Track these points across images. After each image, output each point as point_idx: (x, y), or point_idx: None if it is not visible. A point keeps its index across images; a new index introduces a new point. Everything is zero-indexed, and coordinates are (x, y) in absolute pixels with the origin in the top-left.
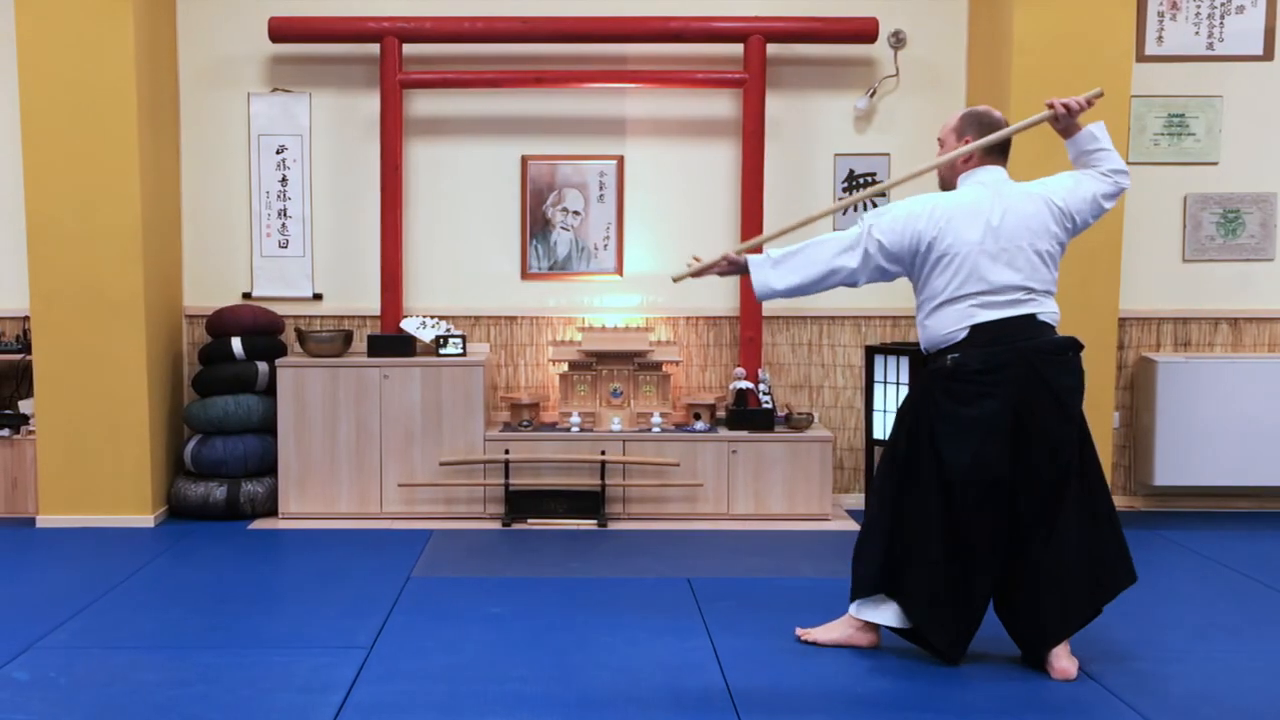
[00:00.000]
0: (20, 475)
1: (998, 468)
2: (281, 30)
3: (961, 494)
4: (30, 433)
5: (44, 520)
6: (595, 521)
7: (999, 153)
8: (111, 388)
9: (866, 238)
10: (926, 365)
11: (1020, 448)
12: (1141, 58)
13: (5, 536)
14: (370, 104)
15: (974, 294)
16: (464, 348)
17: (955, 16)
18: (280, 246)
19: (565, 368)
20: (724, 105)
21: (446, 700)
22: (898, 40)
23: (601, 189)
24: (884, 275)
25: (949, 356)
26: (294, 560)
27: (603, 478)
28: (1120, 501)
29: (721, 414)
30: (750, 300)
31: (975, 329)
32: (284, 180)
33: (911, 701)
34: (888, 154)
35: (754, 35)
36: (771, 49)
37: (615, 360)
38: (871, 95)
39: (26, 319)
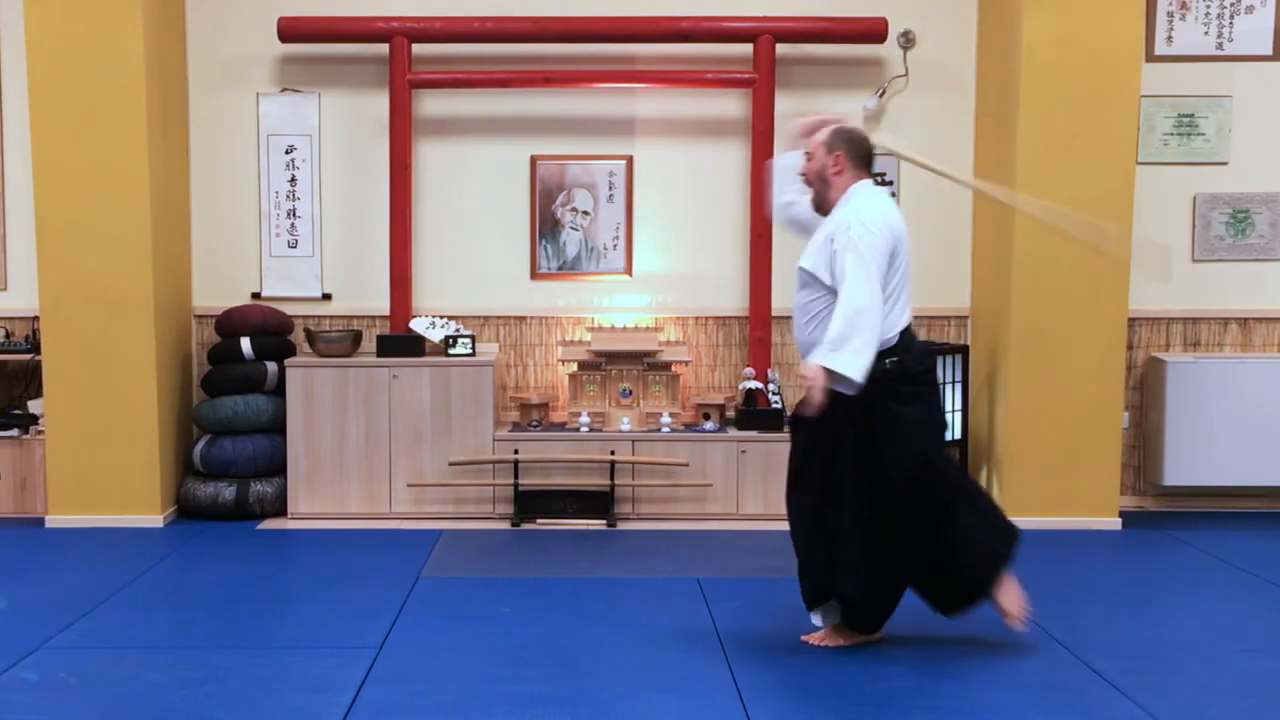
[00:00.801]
0: (29, 475)
1: (940, 460)
2: (291, 30)
3: (904, 491)
4: (39, 433)
5: (53, 520)
6: (604, 522)
7: (869, 168)
8: (120, 388)
9: (878, 273)
10: None
11: None
12: (1151, 58)
13: (14, 537)
14: (379, 104)
15: (902, 299)
16: (473, 348)
17: (965, 16)
18: (289, 246)
19: (574, 368)
20: (733, 105)
21: (456, 700)
22: (907, 40)
23: (611, 189)
24: None
25: (887, 360)
26: (303, 560)
27: (612, 478)
28: (1129, 501)
29: (731, 414)
30: (760, 300)
31: (903, 333)
32: (293, 180)
33: (921, 701)
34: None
35: (763, 35)
36: (781, 49)
37: (624, 360)
38: (881, 95)
39: (36, 319)
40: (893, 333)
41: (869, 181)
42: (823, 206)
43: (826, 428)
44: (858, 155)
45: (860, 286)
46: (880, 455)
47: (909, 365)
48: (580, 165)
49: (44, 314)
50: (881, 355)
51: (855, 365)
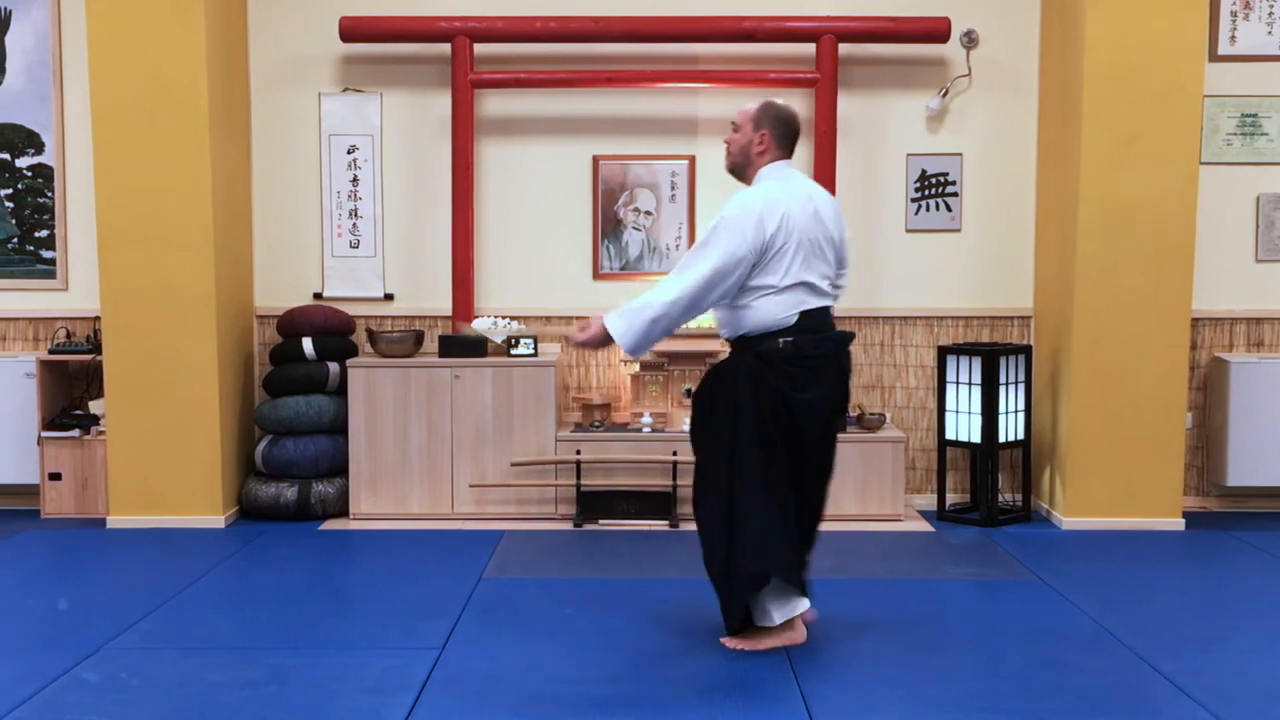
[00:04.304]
0: (91, 476)
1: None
2: (353, 30)
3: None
4: (100, 433)
5: (114, 521)
6: (667, 522)
7: (791, 149)
8: (182, 388)
9: (737, 259)
10: (747, 347)
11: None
12: (1214, 57)
13: (76, 537)
14: (442, 104)
15: (804, 282)
16: (535, 348)
17: (1027, 16)
18: (351, 246)
19: (637, 368)
20: (796, 105)
21: (518, 702)
22: (970, 40)
23: (673, 189)
24: None
25: (781, 340)
26: (365, 561)
27: (674, 478)
28: (1192, 502)
29: None
30: None
31: (804, 314)
32: (355, 180)
33: (984, 702)
34: (960, 154)
35: (826, 35)
36: (844, 49)
37: (687, 360)
38: (944, 95)
39: (97, 319)
40: (790, 313)
41: (786, 163)
42: (739, 176)
43: (737, 403)
44: (783, 135)
45: (686, 269)
46: (792, 420)
47: (804, 348)
48: (643, 165)
49: (105, 314)
50: (773, 335)
51: (629, 334)
